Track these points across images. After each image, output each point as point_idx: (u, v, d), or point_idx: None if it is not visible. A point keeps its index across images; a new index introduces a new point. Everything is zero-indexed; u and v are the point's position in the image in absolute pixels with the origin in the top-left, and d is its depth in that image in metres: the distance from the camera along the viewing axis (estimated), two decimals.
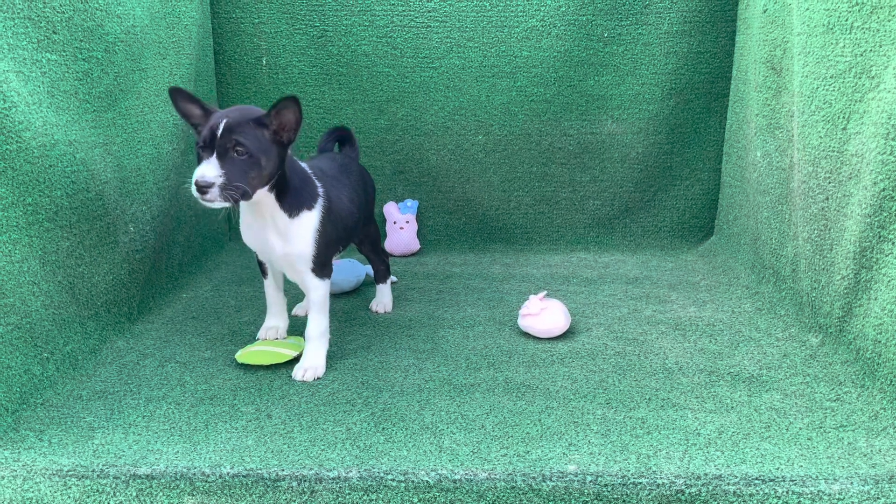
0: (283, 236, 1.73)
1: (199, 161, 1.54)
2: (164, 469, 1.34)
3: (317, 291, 1.79)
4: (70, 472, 1.34)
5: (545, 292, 2.06)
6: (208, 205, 1.53)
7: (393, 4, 2.76)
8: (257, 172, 1.58)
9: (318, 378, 1.74)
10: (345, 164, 2.05)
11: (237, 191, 1.53)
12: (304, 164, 1.82)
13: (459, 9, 2.75)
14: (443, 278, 2.55)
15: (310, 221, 1.73)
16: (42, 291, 1.65)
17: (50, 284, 1.69)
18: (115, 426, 1.50)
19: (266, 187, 1.64)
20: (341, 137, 2.22)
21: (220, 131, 1.53)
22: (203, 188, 1.50)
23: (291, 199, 1.71)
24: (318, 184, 1.79)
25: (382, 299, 2.24)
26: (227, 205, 1.54)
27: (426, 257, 2.84)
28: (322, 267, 1.79)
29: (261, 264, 1.95)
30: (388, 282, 2.26)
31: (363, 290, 2.41)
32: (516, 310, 2.10)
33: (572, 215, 2.94)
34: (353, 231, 1.97)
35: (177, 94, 1.62)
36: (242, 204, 1.65)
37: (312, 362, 1.76)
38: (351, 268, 2.39)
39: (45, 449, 1.40)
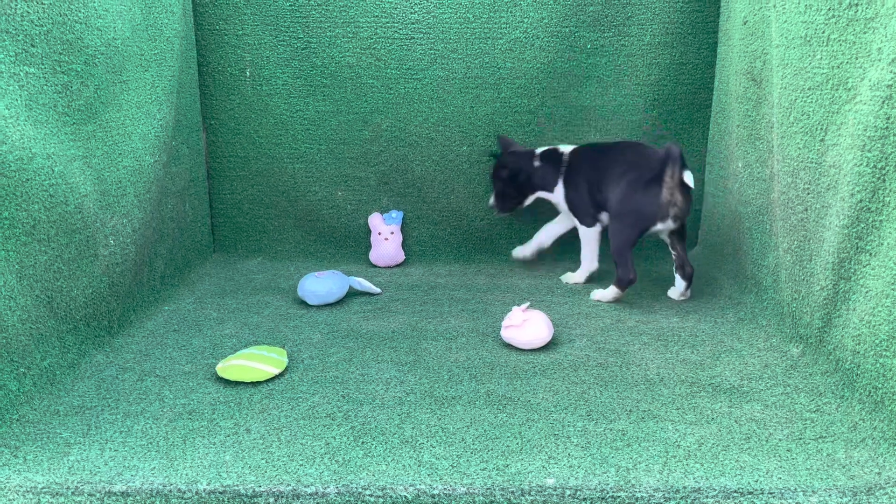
0: None
1: None
2: (140, 486, 1.32)
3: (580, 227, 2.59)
4: (44, 490, 1.32)
5: (528, 303, 2.06)
6: None
7: (377, 16, 2.77)
8: None
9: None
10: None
11: None
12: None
13: (443, 20, 2.76)
14: (427, 289, 2.55)
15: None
16: (19, 306, 1.64)
17: (27, 299, 1.67)
18: (92, 442, 1.48)
19: None
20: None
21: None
22: None
23: None
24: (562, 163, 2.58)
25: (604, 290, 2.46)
26: None
27: (411, 268, 2.84)
28: (582, 217, 2.56)
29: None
30: (612, 287, 2.41)
31: (347, 302, 2.40)
32: (500, 321, 2.09)
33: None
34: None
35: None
36: None
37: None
38: (336, 280, 2.39)
39: (20, 466, 1.39)
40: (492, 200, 2.68)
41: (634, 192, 2.27)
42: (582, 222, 2.55)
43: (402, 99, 2.84)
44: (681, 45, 2.75)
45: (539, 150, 2.62)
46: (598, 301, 2.40)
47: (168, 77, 2.41)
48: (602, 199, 2.44)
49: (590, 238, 2.56)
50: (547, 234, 2.75)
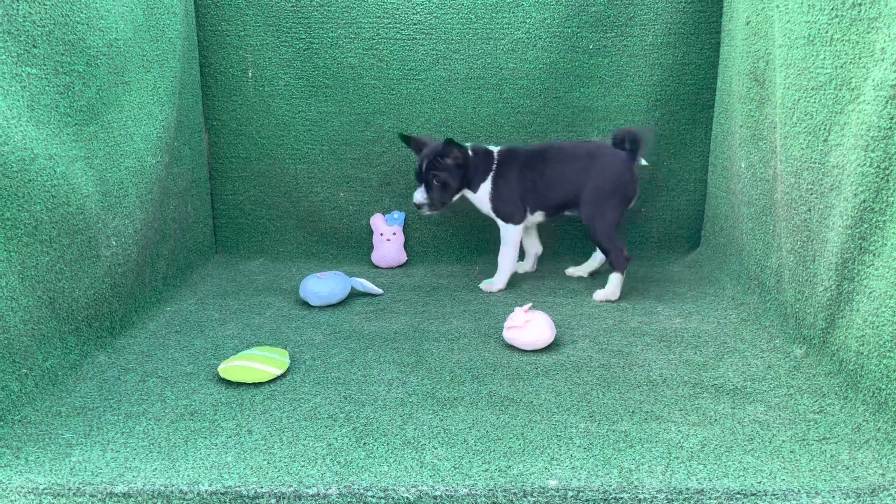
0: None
1: None
2: (142, 487, 1.32)
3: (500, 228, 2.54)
4: (46, 491, 1.32)
5: (530, 304, 2.05)
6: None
7: (379, 17, 2.76)
8: None
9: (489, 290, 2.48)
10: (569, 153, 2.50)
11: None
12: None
13: (445, 21, 2.76)
14: (429, 290, 2.55)
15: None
16: (21, 307, 1.64)
17: (29, 300, 1.67)
18: (94, 443, 1.48)
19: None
20: (633, 139, 2.46)
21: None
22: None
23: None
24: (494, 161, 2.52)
25: (606, 288, 2.46)
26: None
27: (413, 269, 2.84)
28: (500, 214, 2.54)
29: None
30: (616, 272, 2.44)
31: (349, 302, 2.40)
32: (502, 322, 2.09)
33: (558, 226, 2.93)
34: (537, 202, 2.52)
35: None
36: None
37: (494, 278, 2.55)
38: (338, 280, 2.39)
39: (22, 467, 1.39)
40: (423, 196, 2.46)
41: (612, 174, 2.42)
42: (509, 221, 2.50)
43: (404, 100, 2.84)
44: (683, 46, 2.75)
45: (468, 146, 2.52)
46: (605, 301, 2.41)
47: (170, 78, 2.42)
48: (551, 197, 2.48)
49: (514, 239, 2.52)
50: (534, 242, 2.76)
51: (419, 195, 2.45)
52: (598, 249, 2.63)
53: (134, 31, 2.16)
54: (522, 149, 2.54)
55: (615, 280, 2.41)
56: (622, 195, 2.44)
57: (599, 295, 2.42)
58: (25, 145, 1.65)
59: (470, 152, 2.49)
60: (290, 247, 2.99)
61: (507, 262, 2.54)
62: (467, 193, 2.55)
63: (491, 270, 2.70)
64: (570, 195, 2.46)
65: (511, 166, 2.49)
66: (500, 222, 2.53)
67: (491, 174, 2.50)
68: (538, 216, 2.56)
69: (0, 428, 1.51)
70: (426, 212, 2.48)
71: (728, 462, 1.38)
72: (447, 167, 2.44)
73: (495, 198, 2.50)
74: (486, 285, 2.56)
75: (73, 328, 1.86)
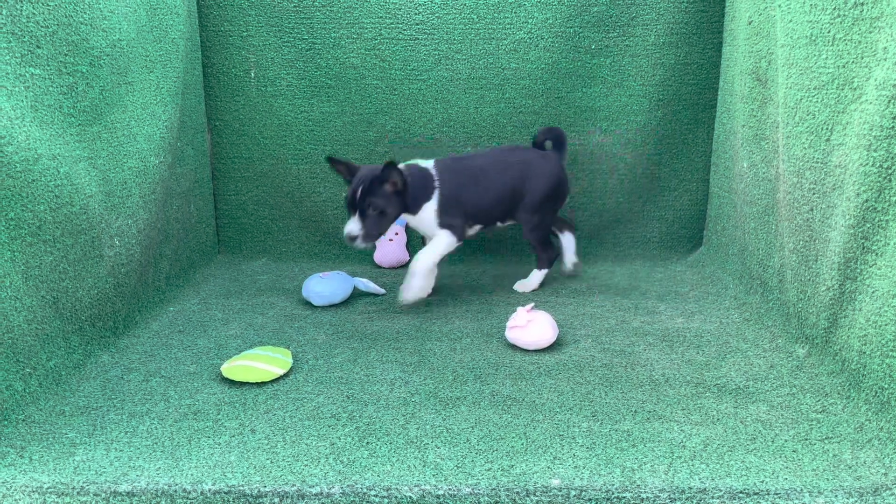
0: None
1: None
2: (145, 486, 1.32)
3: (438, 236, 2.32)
4: (50, 490, 1.32)
5: (532, 304, 2.06)
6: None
7: (381, 17, 2.77)
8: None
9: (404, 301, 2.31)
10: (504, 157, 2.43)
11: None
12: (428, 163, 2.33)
13: (447, 21, 2.76)
14: (435, 289, 2.55)
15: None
16: (25, 306, 1.64)
17: (33, 299, 1.68)
18: (97, 442, 1.48)
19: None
20: (556, 138, 2.56)
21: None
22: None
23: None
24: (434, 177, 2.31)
25: (527, 279, 2.55)
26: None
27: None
28: (445, 224, 2.32)
29: None
30: (542, 269, 2.54)
31: (351, 302, 2.40)
32: (504, 321, 2.09)
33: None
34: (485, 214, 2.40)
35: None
36: None
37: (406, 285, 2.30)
38: (340, 280, 2.39)
39: (26, 466, 1.39)
40: (357, 227, 2.17)
41: (549, 180, 2.43)
42: (455, 234, 2.31)
43: (407, 100, 2.84)
44: (685, 46, 2.75)
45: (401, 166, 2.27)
46: (525, 291, 2.52)
47: (173, 78, 2.42)
48: (493, 210, 2.39)
49: (448, 250, 2.34)
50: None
51: (353, 227, 2.17)
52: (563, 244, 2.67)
53: (137, 32, 2.17)
54: (459, 160, 2.39)
55: (539, 276, 2.54)
56: (558, 198, 2.48)
57: (520, 286, 2.54)
58: (29, 145, 1.65)
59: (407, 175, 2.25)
60: (292, 247, 3.00)
61: (426, 265, 2.31)
62: (406, 217, 2.32)
63: (501, 272, 2.70)
64: (511, 206, 2.42)
65: (453, 181, 2.31)
66: (441, 231, 2.31)
67: (436, 192, 2.27)
68: (475, 229, 2.45)
69: (4, 427, 1.52)
70: (360, 244, 2.18)
71: (731, 461, 1.38)
72: (385, 194, 2.18)
73: (443, 214, 2.29)
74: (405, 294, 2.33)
75: (77, 328, 1.86)
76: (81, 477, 1.35)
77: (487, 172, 2.37)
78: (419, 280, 2.30)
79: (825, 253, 1.76)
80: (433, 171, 2.31)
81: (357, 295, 2.48)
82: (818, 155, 1.79)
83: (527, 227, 2.46)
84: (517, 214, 2.44)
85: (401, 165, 2.24)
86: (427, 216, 2.29)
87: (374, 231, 2.19)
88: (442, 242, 2.31)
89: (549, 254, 2.52)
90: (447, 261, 2.89)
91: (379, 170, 2.15)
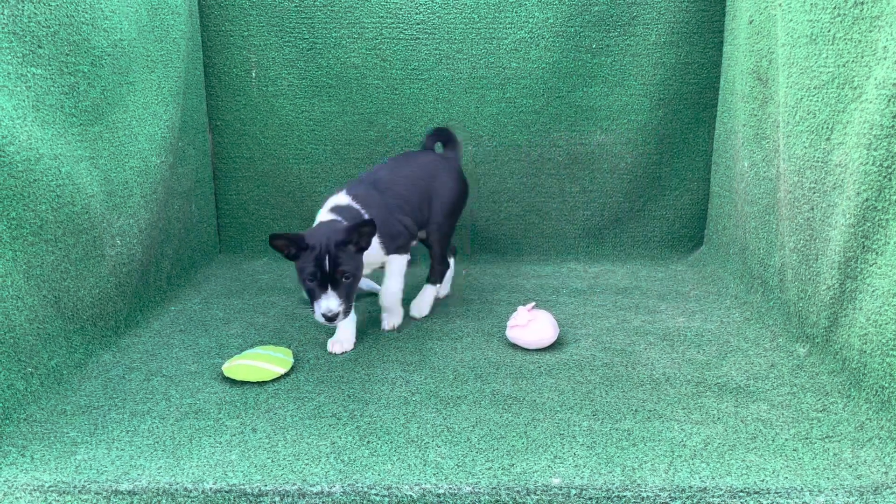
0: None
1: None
2: (146, 485, 1.33)
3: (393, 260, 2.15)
4: (51, 488, 1.33)
5: (533, 303, 2.06)
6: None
7: (382, 17, 2.77)
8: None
9: (395, 326, 2.14)
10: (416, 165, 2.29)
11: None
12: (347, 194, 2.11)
13: (448, 21, 2.76)
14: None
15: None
16: (26, 306, 1.64)
17: (34, 299, 1.68)
18: (99, 441, 1.49)
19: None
20: (445, 139, 2.43)
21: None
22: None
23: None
24: (363, 212, 2.06)
25: (420, 300, 2.31)
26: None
27: (416, 268, 2.83)
28: (394, 247, 2.13)
29: None
30: (436, 285, 2.34)
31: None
32: (505, 321, 2.09)
33: (562, 226, 2.94)
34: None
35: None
36: None
37: (389, 311, 2.15)
38: None
39: (27, 465, 1.39)
40: (338, 303, 1.84)
41: (457, 185, 2.35)
42: (404, 252, 2.18)
43: (408, 99, 2.84)
44: (686, 45, 2.75)
45: (334, 219, 2.01)
46: (422, 315, 2.27)
47: (174, 78, 2.42)
48: (421, 215, 2.25)
49: (404, 270, 2.19)
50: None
51: (332, 303, 1.84)
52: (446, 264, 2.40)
53: (138, 32, 2.17)
54: (369, 184, 2.17)
55: (432, 291, 2.33)
56: (463, 204, 2.38)
57: (418, 310, 2.29)
58: (31, 145, 1.66)
59: (340, 220, 1.99)
60: None
61: (399, 295, 2.18)
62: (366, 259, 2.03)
63: (501, 271, 2.69)
64: (424, 219, 2.27)
65: (379, 206, 2.10)
66: (390, 257, 2.14)
67: (376, 226, 1.95)
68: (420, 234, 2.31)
69: (6, 426, 1.52)
70: (341, 320, 1.88)
71: (731, 460, 1.39)
72: (352, 255, 1.90)
73: (388, 242, 2.09)
74: (390, 323, 2.18)
75: (79, 327, 1.86)
76: (83, 476, 1.35)
77: (398, 186, 2.18)
78: (397, 311, 2.19)
79: (826, 252, 1.76)
80: (357, 207, 2.07)
81: (358, 294, 2.48)
82: (819, 154, 1.79)
83: (438, 233, 2.28)
84: (430, 220, 2.27)
85: (325, 218, 2.03)
86: (373, 251, 2.03)
87: (352, 300, 1.92)
88: (397, 267, 2.16)
89: (444, 267, 2.36)
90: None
91: (340, 231, 1.89)
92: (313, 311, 1.87)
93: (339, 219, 1.99)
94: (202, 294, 2.49)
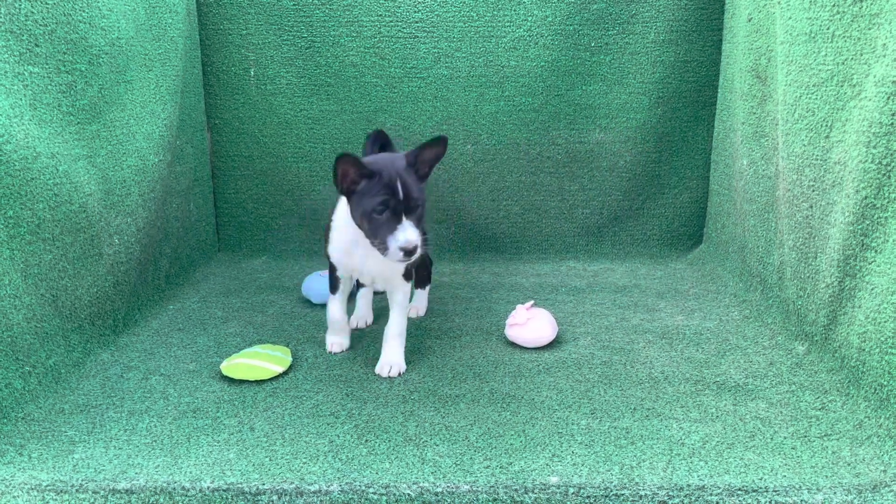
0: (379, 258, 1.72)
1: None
2: (144, 484, 1.32)
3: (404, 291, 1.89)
4: (49, 487, 1.32)
5: (532, 302, 2.05)
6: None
7: (380, 15, 2.76)
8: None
9: (401, 373, 1.82)
10: None
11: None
12: None
13: (446, 19, 2.76)
14: (431, 288, 2.54)
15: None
16: (24, 305, 1.64)
17: (32, 297, 1.68)
18: (97, 440, 1.48)
19: None
20: (383, 143, 2.18)
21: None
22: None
23: None
24: None
25: (417, 302, 2.28)
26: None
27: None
28: (408, 273, 1.92)
29: (336, 281, 1.94)
30: (426, 288, 2.32)
31: (351, 300, 2.40)
32: (504, 319, 2.09)
33: (561, 224, 2.94)
34: None
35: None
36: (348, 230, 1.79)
37: (393, 359, 1.83)
38: None
39: (25, 464, 1.39)
40: (416, 234, 1.65)
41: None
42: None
43: (406, 98, 2.84)
44: (685, 43, 2.74)
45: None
46: (419, 314, 2.25)
47: (172, 77, 2.42)
48: None
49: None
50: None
51: (411, 235, 1.64)
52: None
53: (136, 30, 2.17)
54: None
55: (424, 295, 2.31)
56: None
57: (416, 311, 2.25)
58: (28, 144, 1.65)
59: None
60: (292, 245, 2.99)
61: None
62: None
63: (500, 269, 2.68)
64: None
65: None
66: (399, 282, 1.91)
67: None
68: None
69: (4, 425, 1.52)
70: (420, 253, 1.67)
71: (729, 458, 1.38)
72: (419, 182, 1.73)
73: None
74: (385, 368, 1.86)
75: (77, 326, 1.86)
76: (80, 475, 1.35)
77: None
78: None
79: (824, 250, 1.76)
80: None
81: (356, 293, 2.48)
82: (818, 152, 1.79)
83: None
84: None
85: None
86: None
87: (426, 234, 1.75)
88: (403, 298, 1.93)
89: (428, 271, 2.32)
90: (447, 260, 2.90)
91: (402, 158, 1.72)
92: (384, 249, 1.63)
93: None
94: (200, 293, 2.49)
